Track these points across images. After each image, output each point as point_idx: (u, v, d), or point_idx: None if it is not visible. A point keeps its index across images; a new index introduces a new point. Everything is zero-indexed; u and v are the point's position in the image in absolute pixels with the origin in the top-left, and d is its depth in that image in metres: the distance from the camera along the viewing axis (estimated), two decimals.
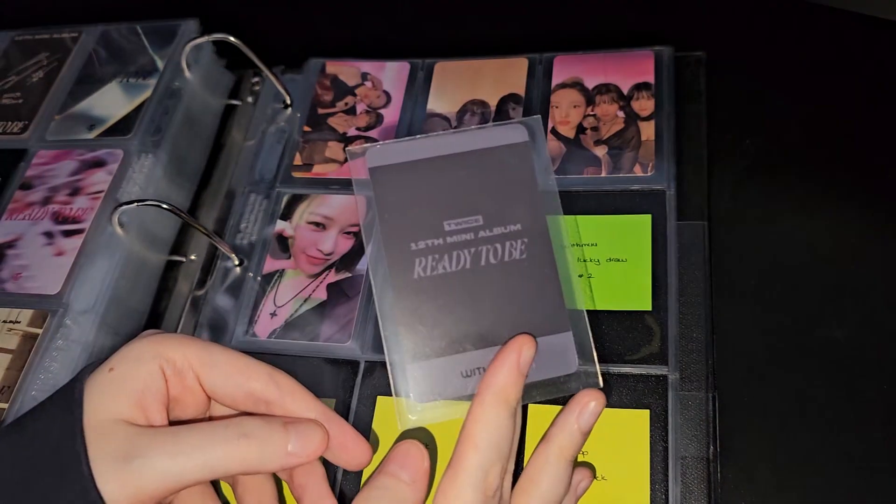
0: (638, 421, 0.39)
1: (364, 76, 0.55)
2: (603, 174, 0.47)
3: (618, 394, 0.40)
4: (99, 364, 0.32)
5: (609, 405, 0.40)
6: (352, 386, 0.43)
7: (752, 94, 0.50)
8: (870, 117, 0.48)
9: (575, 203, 0.46)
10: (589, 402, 0.33)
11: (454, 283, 0.34)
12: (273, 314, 0.46)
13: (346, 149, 0.35)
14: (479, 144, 0.35)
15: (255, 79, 0.58)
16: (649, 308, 0.42)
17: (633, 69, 0.50)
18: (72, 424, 0.29)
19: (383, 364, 0.38)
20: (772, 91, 0.50)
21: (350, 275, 0.46)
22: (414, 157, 0.35)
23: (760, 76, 0.51)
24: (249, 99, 0.58)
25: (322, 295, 0.46)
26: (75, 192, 0.50)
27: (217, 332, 0.46)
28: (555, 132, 0.49)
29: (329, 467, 0.37)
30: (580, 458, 0.38)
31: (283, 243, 0.49)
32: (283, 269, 0.48)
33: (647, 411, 0.39)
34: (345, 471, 0.41)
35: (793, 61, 0.51)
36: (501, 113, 0.51)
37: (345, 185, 0.50)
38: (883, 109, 0.48)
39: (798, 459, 0.39)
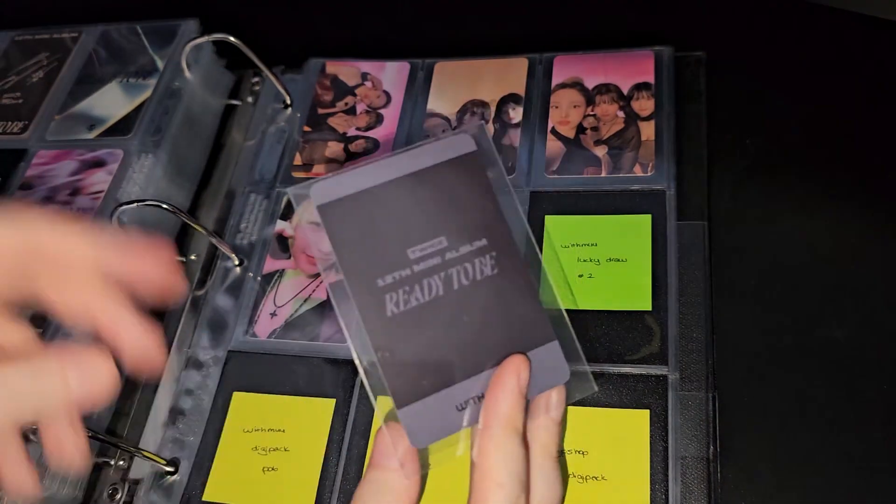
0: (638, 421, 0.39)
1: (364, 76, 0.55)
2: (603, 174, 0.47)
3: (618, 394, 0.40)
4: None
5: (609, 405, 0.40)
6: (352, 386, 0.43)
7: (752, 94, 0.50)
8: (870, 117, 0.48)
9: (575, 203, 0.46)
10: (550, 393, 0.32)
11: (430, 313, 0.31)
12: (273, 314, 0.46)
13: (289, 190, 0.32)
14: (428, 161, 0.33)
15: (255, 79, 0.58)
16: (649, 308, 0.42)
17: (633, 69, 0.50)
18: None
19: None
20: (772, 91, 0.50)
21: None
22: (363, 187, 0.32)
23: (760, 76, 0.51)
24: (249, 99, 0.57)
25: (322, 295, 0.46)
26: (75, 192, 0.50)
27: (217, 332, 0.46)
28: (555, 132, 0.49)
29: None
30: (580, 459, 0.38)
31: (283, 243, 0.49)
32: (283, 269, 0.48)
33: (647, 411, 0.39)
34: (345, 471, 0.41)
35: (793, 61, 0.51)
36: (501, 113, 0.51)
37: None
38: (883, 109, 0.48)
39: (798, 459, 0.39)
